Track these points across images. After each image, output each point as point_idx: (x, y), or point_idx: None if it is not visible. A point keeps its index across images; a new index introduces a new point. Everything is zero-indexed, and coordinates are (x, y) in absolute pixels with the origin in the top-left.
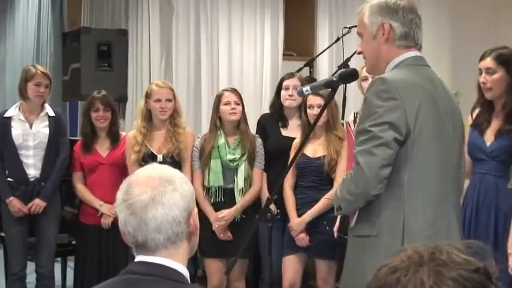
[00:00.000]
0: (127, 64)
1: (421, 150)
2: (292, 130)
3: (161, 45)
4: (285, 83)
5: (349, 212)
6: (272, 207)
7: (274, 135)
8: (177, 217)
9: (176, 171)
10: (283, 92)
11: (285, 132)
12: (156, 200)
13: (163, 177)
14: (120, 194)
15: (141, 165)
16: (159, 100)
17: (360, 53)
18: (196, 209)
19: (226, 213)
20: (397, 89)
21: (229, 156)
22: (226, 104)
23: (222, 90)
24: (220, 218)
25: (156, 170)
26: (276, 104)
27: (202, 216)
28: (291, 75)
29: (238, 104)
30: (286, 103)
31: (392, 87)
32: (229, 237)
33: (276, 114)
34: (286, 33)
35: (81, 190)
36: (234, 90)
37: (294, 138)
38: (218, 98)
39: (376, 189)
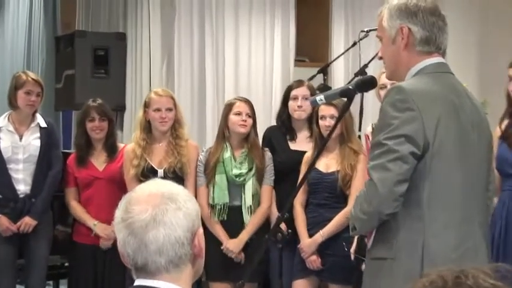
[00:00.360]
0: (125, 71)
1: (442, 164)
2: (301, 143)
3: (162, 50)
4: (293, 92)
5: (363, 232)
6: (282, 226)
7: (282, 150)
8: (180, 238)
9: (180, 187)
10: (291, 103)
11: (293, 146)
12: (158, 220)
13: (165, 194)
14: (118, 213)
15: (140, 181)
16: (158, 110)
17: (380, 58)
18: (201, 229)
19: (233, 247)
20: (415, 98)
21: (235, 171)
22: (237, 114)
23: (235, 99)
24: (227, 251)
25: (158, 186)
26: (284, 115)
27: (209, 235)
28: (299, 84)
29: (249, 117)
30: (295, 115)
31: (409, 96)
32: (242, 258)
33: (284, 127)
34: (298, 36)
35: (75, 207)
36: (248, 101)
37: (303, 152)
38: (229, 107)
39: (390, 207)
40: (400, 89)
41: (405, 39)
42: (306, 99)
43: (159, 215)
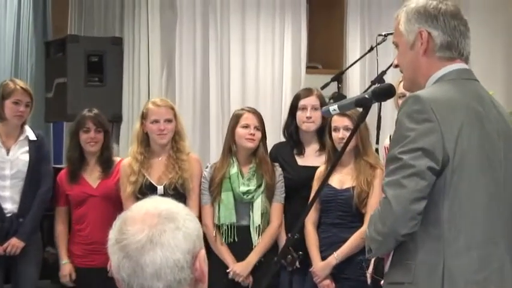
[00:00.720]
0: (122, 78)
1: (464, 180)
2: (310, 158)
3: (162, 56)
4: (302, 102)
5: (379, 254)
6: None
7: (289, 166)
8: (179, 261)
9: (180, 205)
10: (299, 113)
11: (301, 161)
12: (155, 241)
13: (163, 213)
14: (113, 234)
15: (138, 199)
16: (156, 121)
17: (396, 66)
18: (203, 251)
19: (240, 270)
20: (433, 108)
21: (243, 188)
22: (244, 127)
23: (242, 110)
24: (234, 274)
25: (155, 204)
26: (291, 127)
27: (213, 258)
28: (308, 92)
29: (258, 130)
30: (303, 126)
31: (427, 106)
32: (250, 282)
33: (291, 140)
34: (309, 41)
35: (58, 233)
36: (256, 113)
37: (311, 168)
38: (236, 118)
39: (406, 227)
40: (417, 98)
41: (424, 44)
42: (316, 109)
43: (156, 236)
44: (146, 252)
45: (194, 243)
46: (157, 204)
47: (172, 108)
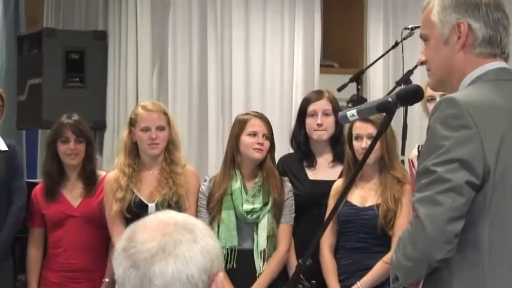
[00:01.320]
0: (106, 79)
1: (508, 197)
2: (322, 171)
3: (153, 52)
4: (311, 107)
5: (408, 283)
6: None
7: (298, 181)
8: (193, 277)
9: (198, 221)
10: (309, 120)
11: (312, 175)
12: (167, 251)
13: (180, 223)
14: (120, 243)
15: (126, 219)
16: (147, 129)
17: (423, 62)
18: (221, 275)
19: None
20: (472, 113)
21: (247, 206)
22: (251, 135)
23: (248, 114)
24: None
25: (170, 215)
26: (300, 136)
27: None
28: (318, 96)
29: (267, 139)
30: (314, 135)
31: (464, 111)
32: None
33: (300, 151)
34: (324, 36)
35: (31, 258)
36: (264, 118)
37: (325, 182)
38: (240, 124)
39: (442, 251)
40: (452, 102)
41: (463, 38)
42: (327, 115)
43: (169, 245)
44: (157, 262)
45: (212, 263)
46: (173, 215)
47: (166, 114)
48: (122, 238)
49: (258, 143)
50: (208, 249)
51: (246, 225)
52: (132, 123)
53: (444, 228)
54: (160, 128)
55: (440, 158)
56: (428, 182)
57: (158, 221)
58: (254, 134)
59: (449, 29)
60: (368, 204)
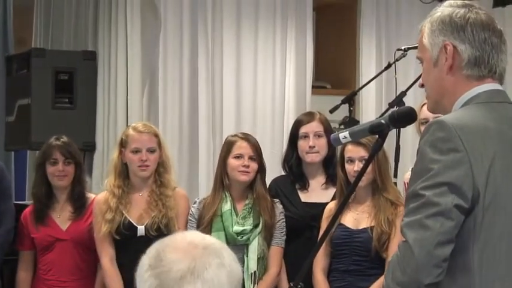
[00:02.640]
0: (95, 100)
1: (498, 220)
2: (315, 193)
3: (143, 73)
4: (302, 129)
5: None
6: None
7: (291, 203)
8: None
9: (224, 245)
10: (301, 143)
11: (305, 197)
12: (196, 274)
13: (209, 247)
14: (146, 259)
15: (115, 241)
16: (137, 150)
17: (422, 85)
18: None
19: None
20: (461, 136)
21: (237, 228)
22: (237, 158)
23: (235, 136)
24: None
25: (199, 236)
26: (292, 159)
27: None
28: (309, 118)
29: (253, 160)
30: (306, 158)
31: (453, 134)
32: None
33: (292, 174)
34: (316, 56)
35: (20, 281)
36: (251, 140)
37: (318, 205)
38: (227, 146)
39: (430, 276)
40: (441, 124)
41: (449, 59)
42: (319, 136)
43: (198, 269)
44: (185, 285)
45: (235, 287)
46: (201, 236)
47: (157, 136)
48: (148, 254)
49: (244, 165)
50: (233, 275)
51: (236, 247)
52: (123, 144)
53: (432, 252)
54: (150, 150)
55: (429, 181)
56: (416, 206)
57: (187, 241)
58: (240, 156)
59: (437, 51)
60: (361, 226)
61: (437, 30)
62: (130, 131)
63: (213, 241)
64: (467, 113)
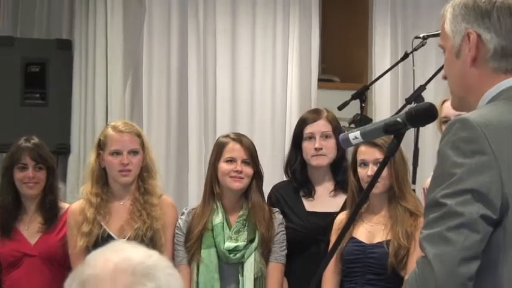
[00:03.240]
0: (71, 95)
1: None
2: (322, 201)
3: (125, 65)
4: (308, 129)
5: None
6: None
7: (294, 213)
8: None
9: (155, 254)
10: (306, 144)
11: (310, 206)
12: None
13: (138, 270)
14: None
15: None
16: (118, 152)
17: (445, 77)
18: None
19: None
20: (488, 137)
21: (229, 244)
22: (228, 162)
23: (226, 137)
24: None
25: (123, 255)
26: (295, 163)
27: None
28: (315, 116)
29: (247, 165)
30: (312, 161)
31: (478, 134)
32: None
33: (295, 180)
34: (323, 46)
35: None
36: (244, 141)
37: (325, 215)
38: (218, 149)
39: None
40: (465, 123)
41: (473, 50)
42: (327, 137)
43: None
44: None
45: None
46: (127, 254)
47: (140, 136)
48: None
49: (236, 171)
50: None
51: (229, 266)
52: (101, 146)
53: (456, 270)
54: (133, 152)
55: (451, 188)
56: (437, 216)
57: (112, 268)
58: (231, 160)
59: (460, 40)
60: (376, 240)
61: (460, 16)
62: (110, 131)
63: (143, 258)
64: (494, 109)
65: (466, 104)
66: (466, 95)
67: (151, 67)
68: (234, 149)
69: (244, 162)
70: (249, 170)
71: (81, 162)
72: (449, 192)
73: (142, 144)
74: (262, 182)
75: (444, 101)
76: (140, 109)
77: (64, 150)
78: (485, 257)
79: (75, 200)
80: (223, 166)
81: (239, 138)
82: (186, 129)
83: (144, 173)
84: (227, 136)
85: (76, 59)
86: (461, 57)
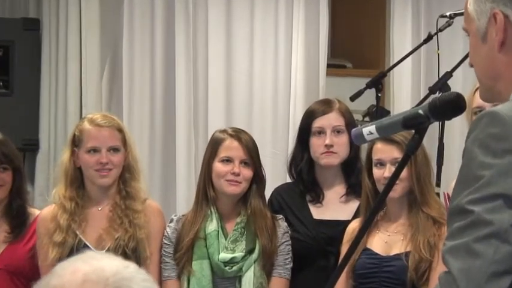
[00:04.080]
0: (39, 82)
1: None
2: (332, 208)
3: (102, 48)
4: (317, 123)
5: None
6: None
7: (300, 221)
8: None
9: (131, 266)
10: (314, 141)
11: (318, 213)
12: None
13: (111, 280)
14: None
15: None
16: (95, 150)
17: (472, 65)
18: None
19: None
20: None
21: (225, 255)
22: (224, 162)
23: (223, 132)
24: None
25: (95, 265)
26: (301, 162)
27: None
28: (326, 107)
29: (246, 166)
30: (322, 160)
31: (511, 130)
32: None
33: (301, 183)
34: (333, 26)
35: None
36: (243, 138)
37: (336, 223)
38: (213, 147)
39: None
40: (495, 117)
41: (500, 33)
42: (339, 132)
43: None
44: None
45: None
46: (100, 265)
47: (121, 131)
48: None
49: (233, 173)
50: None
51: (224, 280)
52: (76, 142)
53: (484, 286)
54: (113, 150)
55: (479, 193)
56: (462, 225)
57: (81, 280)
58: (228, 160)
59: (485, 22)
60: (394, 252)
61: None
62: (86, 125)
63: (115, 269)
64: None
65: (495, 95)
66: (495, 84)
67: (133, 51)
68: (232, 147)
69: (243, 162)
70: (247, 173)
71: (51, 160)
72: (476, 198)
73: (124, 141)
74: (264, 187)
75: (477, 89)
76: (120, 100)
77: (32, 147)
78: None
79: (45, 205)
80: (218, 167)
81: (238, 134)
82: (173, 124)
83: (126, 174)
84: (224, 131)
85: (45, 41)
86: (487, 42)
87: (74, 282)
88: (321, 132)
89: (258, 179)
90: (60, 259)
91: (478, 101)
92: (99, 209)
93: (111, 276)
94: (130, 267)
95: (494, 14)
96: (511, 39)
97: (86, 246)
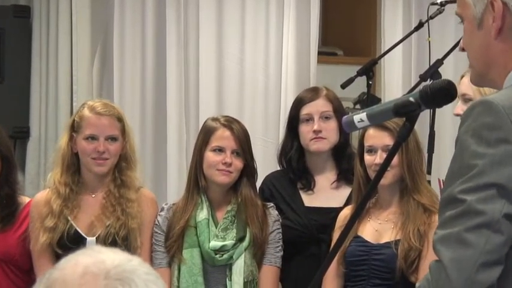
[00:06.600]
0: (30, 70)
1: None
2: (323, 195)
3: (93, 34)
4: (305, 109)
5: None
6: None
7: (291, 208)
8: None
9: (135, 259)
10: (303, 128)
11: (309, 200)
12: None
13: (112, 273)
14: None
15: (57, 256)
16: (93, 138)
17: (463, 49)
18: None
19: None
20: None
21: (215, 243)
22: (216, 151)
23: (215, 121)
24: None
25: (97, 258)
26: (291, 150)
27: None
28: (313, 94)
29: (238, 156)
30: (311, 147)
31: (504, 119)
32: None
33: (291, 170)
34: (325, 14)
35: None
36: (235, 127)
37: (327, 210)
38: (205, 136)
39: None
40: (488, 106)
41: (498, 20)
42: (327, 118)
43: None
44: None
45: None
46: (101, 257)
47: (121, 120)
48: None
49: (224, 163)
50: None
51: (215, 268)
52: (75, 128)
53: (474, 277)
54: (110, 139)
55: (471, 182)
56: (454, 214)
57: (81, 271)
58: (220, 150)
59: (482, 9)
60: (384, 240)
61: None
62: (86, 112)
63: (120, 260)
64: None
65: (487, 81)
66: (489, 71)
67: (123, 37)
68: (224, 137)
69: (234, 152)
70: (238, 163)
71: (42, 148)
72: (468, 187)
73: (123, 130)
74: (255, 177)
75: (463, 76)
76: (110, 87)
77: (22, 135)
78: (509, 261)
79: (35, 193)
80: (209, 156)
81: (230, 124)
82: (164, 111)
83: (122, 163)
84: (216, 120)
85: (35, 29)
86: (484, 28)
87: (74, 275)
88: (309, 119)
89: (249, 169)
90: (50, 244)
91: (464, 87)
92: (93, 196)
93: (112, 268)
94: (134, 260)
95: (491, 1)
96: (508, 27)
97: (76, 233)
